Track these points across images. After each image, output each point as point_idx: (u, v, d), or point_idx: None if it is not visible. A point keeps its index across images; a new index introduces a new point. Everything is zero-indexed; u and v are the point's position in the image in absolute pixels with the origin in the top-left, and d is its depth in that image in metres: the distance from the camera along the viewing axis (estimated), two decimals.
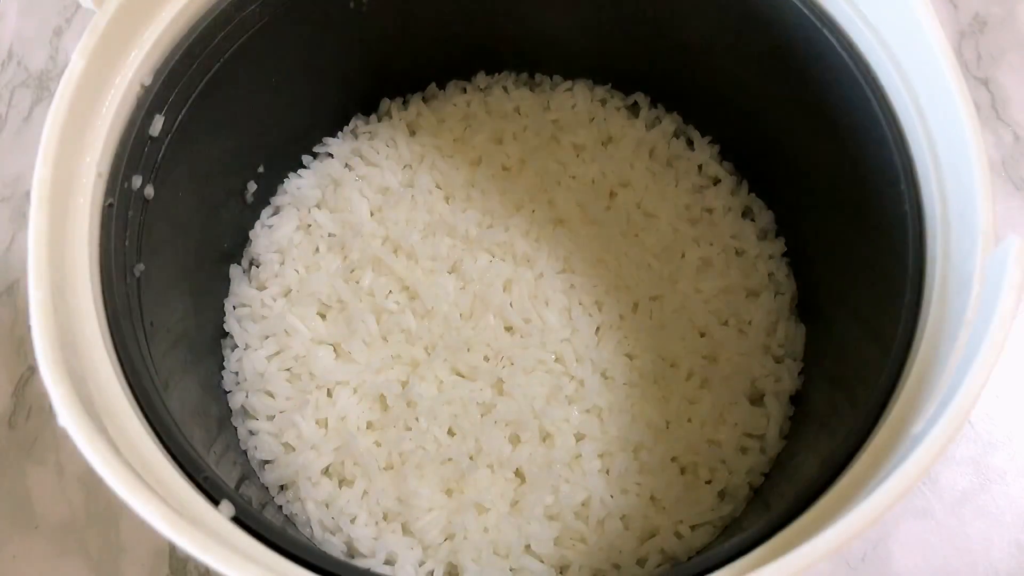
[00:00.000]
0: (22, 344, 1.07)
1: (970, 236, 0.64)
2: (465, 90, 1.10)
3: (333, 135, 1.07)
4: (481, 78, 1.10)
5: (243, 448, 0.93)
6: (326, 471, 0.91)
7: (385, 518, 0.88)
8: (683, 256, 0.99)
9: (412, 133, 1.07)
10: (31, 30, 1.28)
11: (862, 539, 0.92)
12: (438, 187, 1.03)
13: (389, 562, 0.86)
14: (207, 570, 0.93)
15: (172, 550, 0.97)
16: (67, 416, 0.57)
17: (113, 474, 0.56)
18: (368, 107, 1.09)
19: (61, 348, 0.60)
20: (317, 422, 0.92)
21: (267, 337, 0.96)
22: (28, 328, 0.60)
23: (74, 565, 0.97)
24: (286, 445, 0.92)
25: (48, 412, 1.03)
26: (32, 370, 1.06)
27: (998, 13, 1.21)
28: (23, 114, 1.22)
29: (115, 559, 0.97)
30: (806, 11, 0.80)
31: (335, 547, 0.87)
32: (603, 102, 1.09)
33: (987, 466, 0.99)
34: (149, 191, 0.76)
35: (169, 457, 0.64)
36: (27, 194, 0.97)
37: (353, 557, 0.87)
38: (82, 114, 0.70)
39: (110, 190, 0.72)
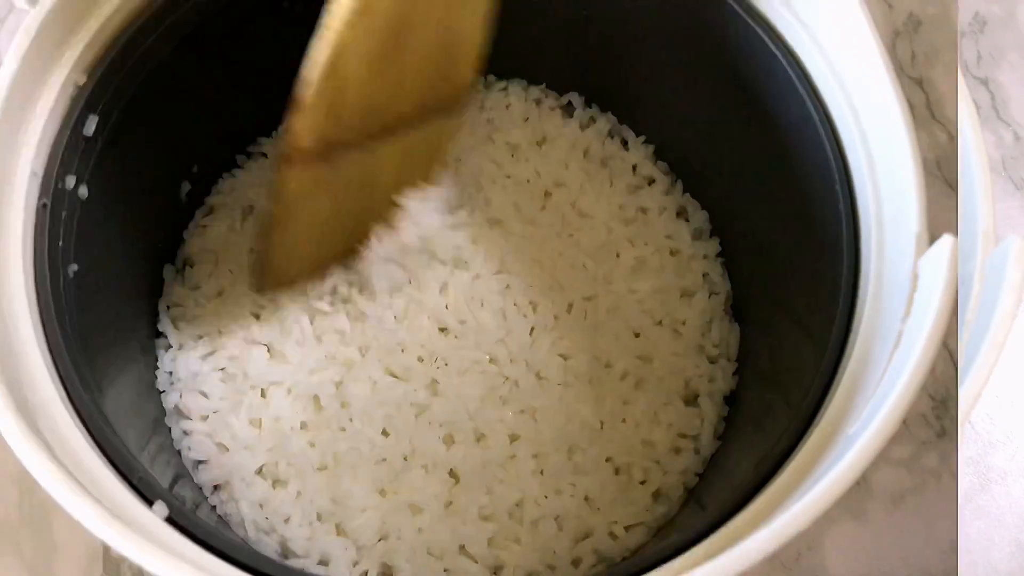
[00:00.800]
0: None
1: (905, 236, 0.64)
2: None
3: (268, 135, 1.06)
4: None
5: (177, 448, 0.92)
6: (260, 471, 0.90)
7: (319, 518, 0.88)
8: (618, 256, 0.99)
9: None
10: None
11: (798, 540, 0.93)
12: None
13: (323, 562, 0.86)
14: (140, 570, 0.93)
15: (106, 550, 0.96)
16: (0, 416, 0.56)
17: (46, 474, 0.56)
18: None
19: None
20: (251, 422, 0.91)
21: (201, 337, 0.95)
22: None
23: (6, 566, 0.96)
24: (220, 445, 0.91)
25: None
26: None
27: (998, 13, 1.22)
28: None
29: (48, 559, 0.96)
30: (739, 9, 0.81)
31: (269, 547, 0.87)
32: (537, 102, 1.09)
33: (987, 466, 1.00)
34: (83, 191, 0.76)
35: (103, 458, 0.64)
36: None
37: (287, 557, 0.87)
38: (16, 114, 0.70)
39: (44, 190, 0.71)
